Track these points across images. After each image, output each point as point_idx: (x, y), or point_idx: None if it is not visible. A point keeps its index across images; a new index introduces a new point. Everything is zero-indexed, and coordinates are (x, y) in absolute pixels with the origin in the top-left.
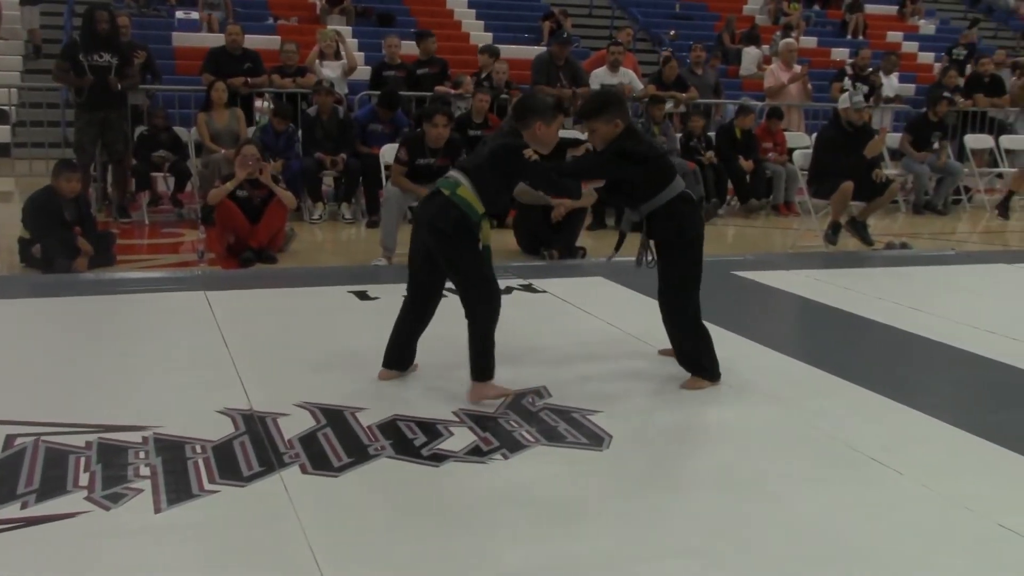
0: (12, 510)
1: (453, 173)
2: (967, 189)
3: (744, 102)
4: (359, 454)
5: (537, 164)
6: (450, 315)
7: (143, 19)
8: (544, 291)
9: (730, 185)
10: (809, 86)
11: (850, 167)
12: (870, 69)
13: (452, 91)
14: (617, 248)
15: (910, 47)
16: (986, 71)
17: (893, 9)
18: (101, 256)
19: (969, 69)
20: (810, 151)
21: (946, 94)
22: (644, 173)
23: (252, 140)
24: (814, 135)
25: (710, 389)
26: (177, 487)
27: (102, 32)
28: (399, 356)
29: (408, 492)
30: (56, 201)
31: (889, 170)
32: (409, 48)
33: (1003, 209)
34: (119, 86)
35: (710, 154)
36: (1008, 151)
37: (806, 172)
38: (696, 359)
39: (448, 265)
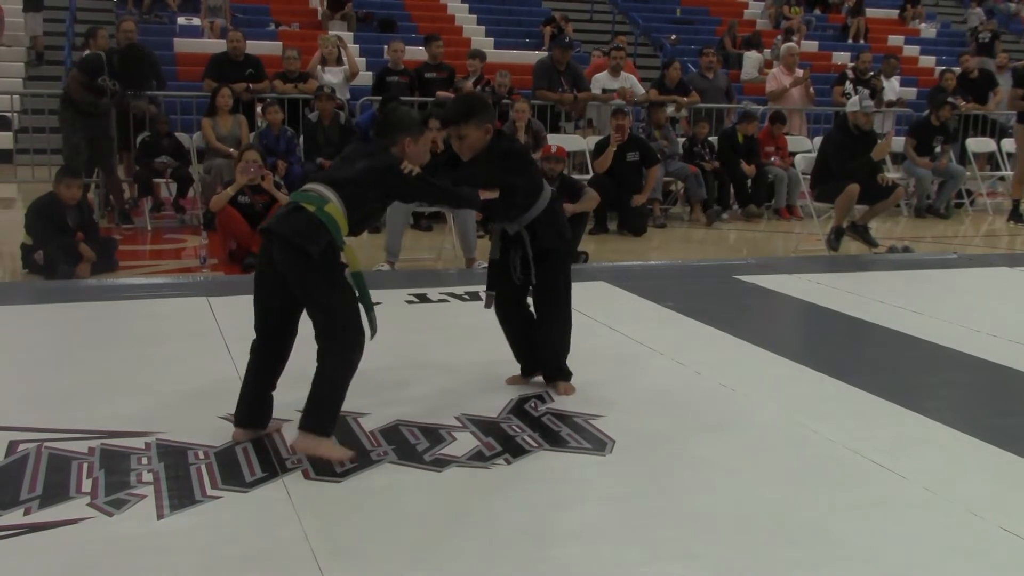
0: (15, 516)
1: (317, 187)
2: (969, 193)
3: (746, 106)
4: (362, 459)
5: (422, 179)
6: (451, 314)
7: (146, 25)
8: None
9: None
10: (811, 90)
11: (856, 170)
12: (871, 73)
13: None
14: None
15: (911, 51)
16: (969, 68)
17: (894, 13)
18: (103, 262)
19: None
20: (812, 155)
21: (948, 98)
22: (530, 176)
23: (253, 145)
24: (816, 139)
25: (712, 394)
26: (180, 493)
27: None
28: (257, 410)
29: (411, 497)
30: (58, 207)
31: (891, 174)
32: (412, 53)
33: (1016, 216)
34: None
35: (712, 163)
36: (1010, 154)
37: (808, 176)
38: (564, 365)
39: (306, 296)
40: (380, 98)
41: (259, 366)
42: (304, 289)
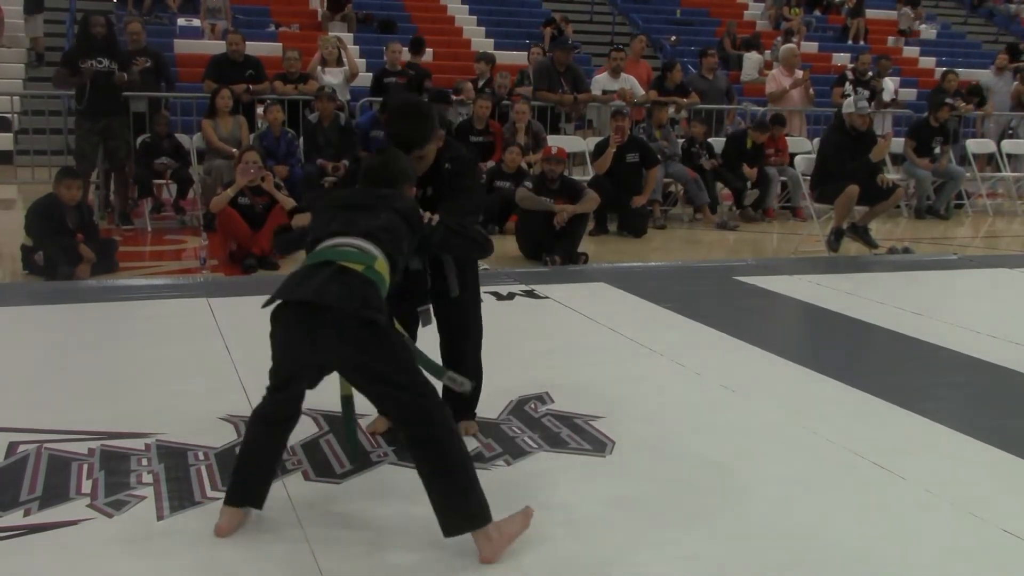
0: (15, 517)
1: (353, 241)
2: (969, 194)
3: (744, 107)
4: (362, 460)
5: (446, 227)
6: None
7: (146, 26)
8: (546, 297)
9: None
10: (811, 91)
11: (854, 171)
12: (871, 74)
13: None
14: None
15: (911, 52)
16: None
17: (894, 14)
18: (103, 263)
19: None
20: (812, 156)
21: (948, 99)
22: (479, 183)
23: (253, 146)
24: (816, 140)
25: (712, 395)
26: (180, 494)
27: (98, 36)
28: (264, 489)
29: (411, 499)
30: (58, 208)
31: (891, 175)
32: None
33: None
34: (124, 81)
35: (712, 161)
36: (1010, 155)
37: (807, 177)
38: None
39: (375, 374)
40: (380, 99)
41: (275, 446)
42: (373, 371)
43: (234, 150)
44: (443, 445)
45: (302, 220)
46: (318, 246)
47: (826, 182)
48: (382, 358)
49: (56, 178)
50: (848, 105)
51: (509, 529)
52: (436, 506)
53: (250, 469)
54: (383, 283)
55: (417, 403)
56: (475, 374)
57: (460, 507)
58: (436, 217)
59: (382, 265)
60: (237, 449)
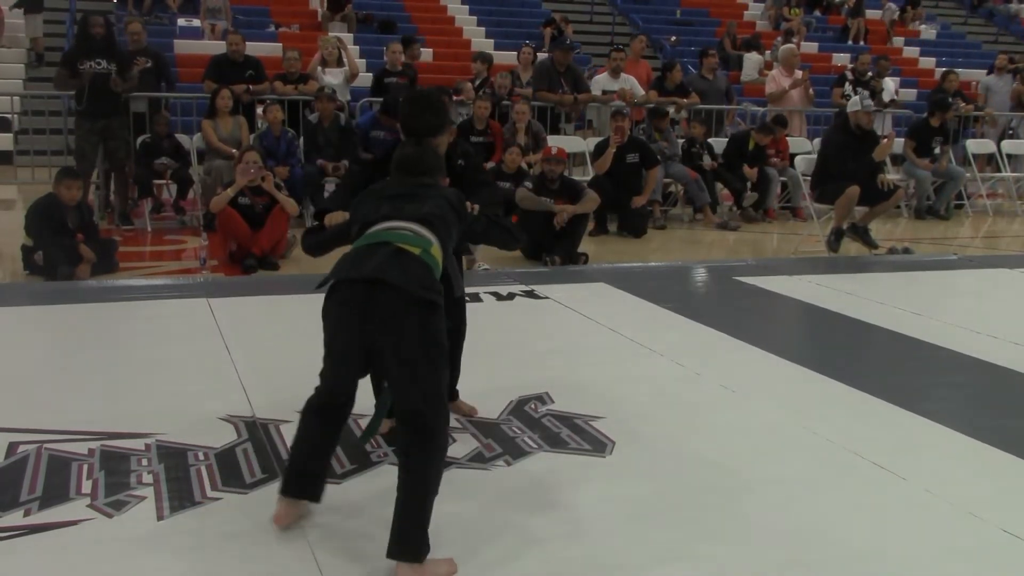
0: (15, 517)
1: (410, 225)
2: (969, 194)
3: (744, 107)
4: (362, 460)
5: (487, 217)
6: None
7: (146, 26)
8: (546, 297)
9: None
10: (811, 91)
11: (855, 171)
12: (871, 74)
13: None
14: None
15: (911, 52)
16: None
17: (894, 14)
18: (103, 263)
19: None
20: (812, 156)
21: (948, 100)
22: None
23: (253, 146)
24: (816, 140)
25: (712, 395)
26: (180, 494)
27: (97, 37)
28: (316, 479)
29: None
30: (58, 208)
31: (891, 175)
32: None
33: None
34: (120, 87)
35: (711, 162)
36: (1010, 155)
37: (807, 177)
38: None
39: (407, 362)
40: (380, 100)
41: (329, 437)
42: (406, 354)
43: (234, 151)
44: (425, 467)
45: (336, 218)
46: (369, 229)
47: (827, 182)
48: (422, 342)
49: (56, 178)
50: (854, 104)
51: (434, 570)
52: (396, 526)
53: (304, 460)
54: (438, 268)
55: (430, 410)
56: (455, 367)
57: (416, 540)
58: (476, 207)
59: (437, 251)
60: (290, 440)
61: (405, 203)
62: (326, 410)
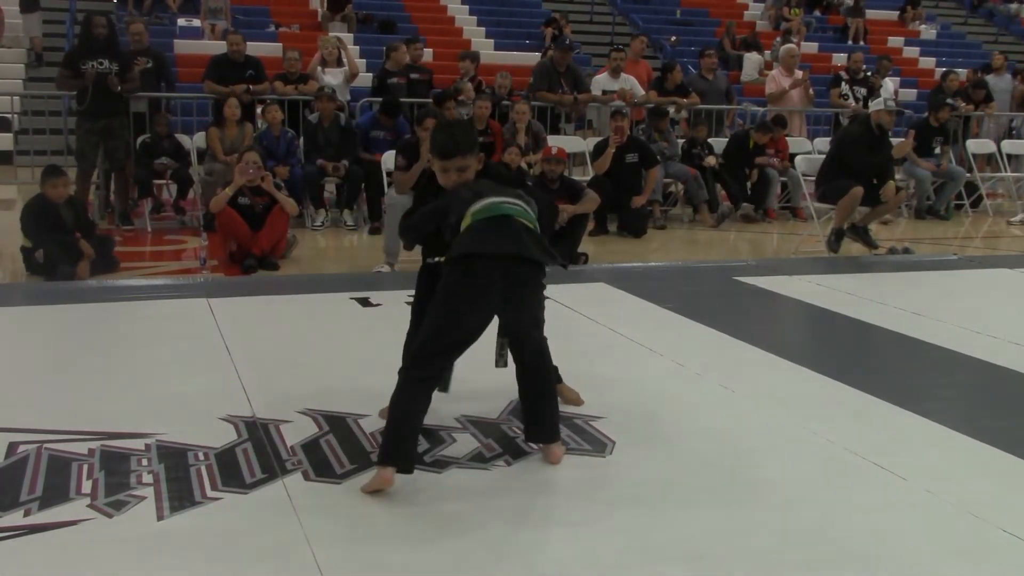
0: (15, 517)
1: (519, 202)
2: (969, 194)
3: (744, 107)
4: (362, 461)
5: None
6: None
7: (146, 27)
8: (546, 297)
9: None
10: (811, 91)
11: (870, 165)
12: (867, 72)
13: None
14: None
15: (911, 52)
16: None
17: (894, 14)
18: (103, 261)
19: None
20: (812, 156)
21: (948, 100)
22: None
23: (253, 147)
24: (816, 140)
25: (712, 395)
26: (180, 494)
27: (100, 37)
28: (413, 448)
29: (410, 499)
30: (51, 207)
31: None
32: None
33: None
34: (119, 87)
35: (711, 158)
36: (1011, 155)
37: (807, 177)
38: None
39: (528, 314)
40: (380, 100)
41: (426, 406)
42: (532, 308)
43: (233, 156)
44: (550, 376)
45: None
46: (476, 204)
47: (833, 179)
48: (540, 297)
49: (41, 179)
50: (877, 103)
51: (557, 451)
52: (535, 419)
53: (407, 429)
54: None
55: (544, 340)
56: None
57: (558, 423)
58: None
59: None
60: (387, 410)
61: (497, 186)
62: (432, 381)
